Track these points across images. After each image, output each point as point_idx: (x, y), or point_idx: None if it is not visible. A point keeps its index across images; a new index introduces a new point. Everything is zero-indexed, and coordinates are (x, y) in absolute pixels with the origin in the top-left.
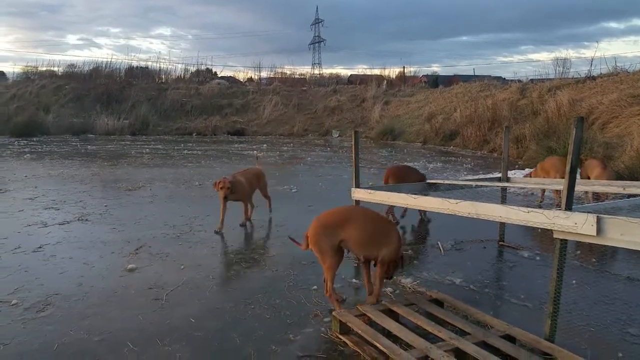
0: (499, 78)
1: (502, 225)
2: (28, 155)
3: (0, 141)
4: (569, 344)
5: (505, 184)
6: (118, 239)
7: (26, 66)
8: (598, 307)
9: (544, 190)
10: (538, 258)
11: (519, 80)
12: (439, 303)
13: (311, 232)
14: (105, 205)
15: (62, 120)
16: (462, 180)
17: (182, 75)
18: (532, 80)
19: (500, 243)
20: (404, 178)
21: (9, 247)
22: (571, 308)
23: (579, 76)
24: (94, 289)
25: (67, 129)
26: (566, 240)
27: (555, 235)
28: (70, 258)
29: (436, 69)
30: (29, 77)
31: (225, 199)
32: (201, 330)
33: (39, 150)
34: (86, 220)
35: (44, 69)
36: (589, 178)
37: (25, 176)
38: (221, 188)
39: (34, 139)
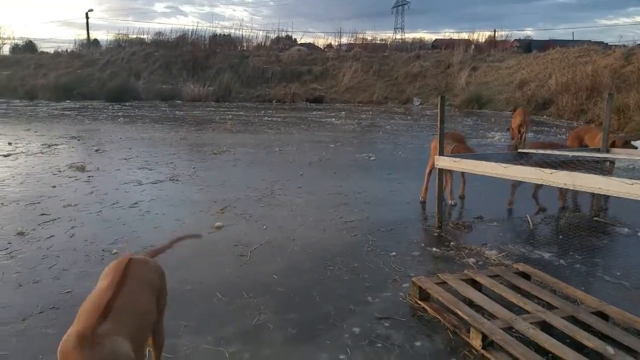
0: (600, 43)
1: (599, 198)
2: (122, 119)
3: (96, 105)
4: None
5: (606, 155)
6: (205, 199)
7: (118, 34)
8: None
9: None
10: None
11: (624, 45)
12: (525, 276)
13: None
14: (193, 167)
15: (151, 86)
16: (557, 150)
17: (263, 42)
18: (639, 44)
19: (595, 218)
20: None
21: (108, 203)
22: None
23: None
24: (185, 243)
25: (156, 94)
26: None
27: None
28: (163, 214)
29: (529, 33)
30: (120, 45)
31: None
32: (283, 286)
33: (131, 114)
34: (176, 180)
35: (134, 36)
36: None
37: (120, 138)
38: None
39: (127, 104)
